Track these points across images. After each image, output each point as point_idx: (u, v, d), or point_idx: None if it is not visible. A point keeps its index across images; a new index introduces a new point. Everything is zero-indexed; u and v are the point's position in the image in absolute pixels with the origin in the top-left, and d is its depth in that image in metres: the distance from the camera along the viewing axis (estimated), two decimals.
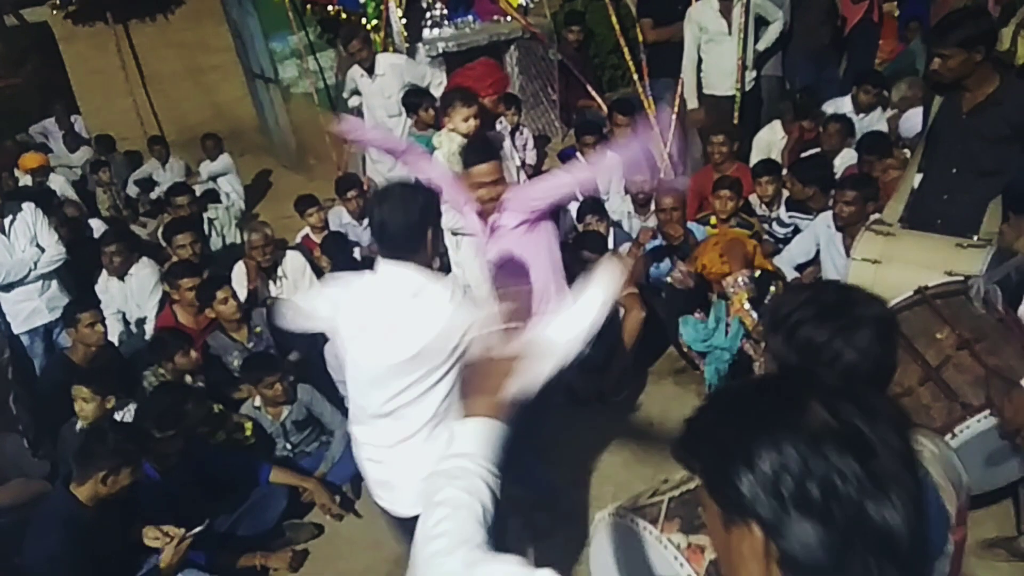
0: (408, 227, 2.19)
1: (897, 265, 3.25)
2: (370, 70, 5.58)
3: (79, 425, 3.55)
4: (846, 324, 1.37)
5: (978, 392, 2.58)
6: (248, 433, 3.78)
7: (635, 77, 6.28)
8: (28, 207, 4.44)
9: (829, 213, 4.24)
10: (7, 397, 3.94)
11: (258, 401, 3.84)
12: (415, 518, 2.12)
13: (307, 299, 2.56)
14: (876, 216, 4.01)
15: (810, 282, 1.37)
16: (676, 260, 4.31)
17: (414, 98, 5.29)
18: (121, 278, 4.81)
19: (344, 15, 6.41)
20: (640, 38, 6.33)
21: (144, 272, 4.74)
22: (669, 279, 4.20)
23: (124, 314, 4.87)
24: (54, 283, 4.48)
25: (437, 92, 5.51)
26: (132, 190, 7.40)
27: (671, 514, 2.17)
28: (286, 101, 7.81)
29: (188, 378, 3.88)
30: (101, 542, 2.76)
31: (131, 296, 4.83)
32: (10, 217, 4.32)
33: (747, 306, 3.76)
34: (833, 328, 1.37)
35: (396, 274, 2.23)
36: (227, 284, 4.22)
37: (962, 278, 2.81)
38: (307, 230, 5.48)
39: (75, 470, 2.81)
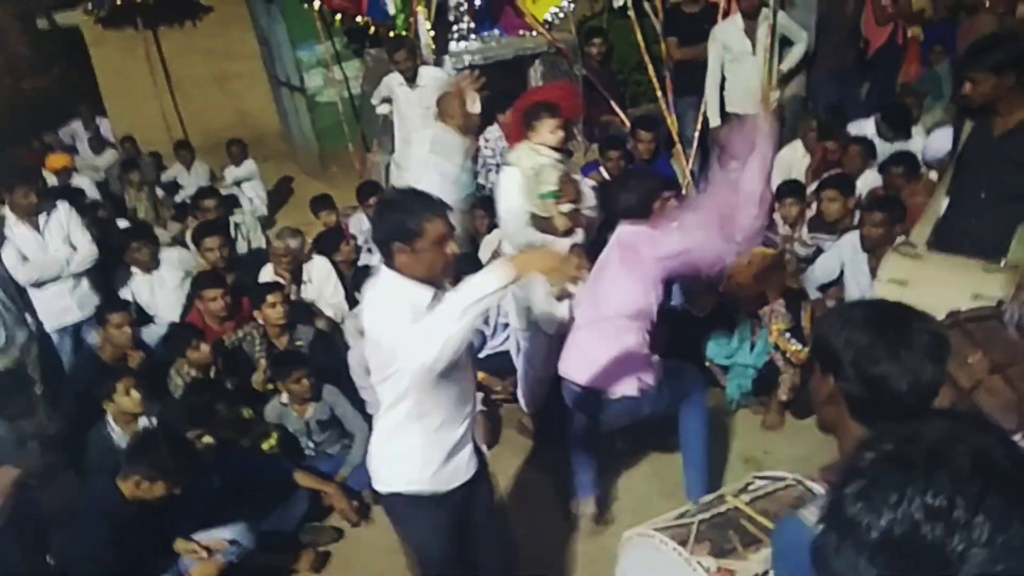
0: (381, 241, 2.26)
1: (924, 287, 3.26)
2: (411, 80, 5.65)
3: (111, 425, 3.59)
4: (891, 329, 1.38)
5: (1009, 416, 2.58)
6: (273, 443, 3.82)
7: (659, 94, 6.35)
8: (63, 206, 4.50)
9: (855, 234, 4.26)
10: (31, 394, 3.99)
11: (285, 398, 3.91)
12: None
13: None
14: (902, 238, 4.04)
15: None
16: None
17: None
18: (150, 271, 4.84)
19: (373, 26, 6.49)
20: (664, 56, 6.40)
21: (173, 256, 4.82)
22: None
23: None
24: (85, 282, 4.53)
25: (473, 110, 5.63)
26: (158, 192, 7.48)
27: (701, 537, 2.20)
28: (311, 109, 7.90)
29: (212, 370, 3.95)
30: (138, 539, 2.80)
31: (159, 287, 4.87)
32: (44, 216, 4.39)
33: (787, 335, 3.79)
34: (876, 332, 1.38)
35: (380, 283, 2.31)
36: (279, 290, 4.25)
37: (996, 303, 2.83)
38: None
39: (122, 465, 2.86)
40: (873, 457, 0.98)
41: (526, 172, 3.44)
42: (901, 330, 1.38)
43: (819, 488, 2.34)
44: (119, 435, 3.55)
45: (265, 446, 3.73)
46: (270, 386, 4.05)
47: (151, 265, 4.81)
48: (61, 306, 4.44)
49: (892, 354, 1.35)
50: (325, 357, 4.23)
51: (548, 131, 3.43)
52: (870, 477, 0.97)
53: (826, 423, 1.52)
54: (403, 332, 2.10)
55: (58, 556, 2.77)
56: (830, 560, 0.97)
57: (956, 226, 3.46)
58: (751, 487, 2.45)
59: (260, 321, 4.24)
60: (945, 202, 3.63)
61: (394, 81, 5.76)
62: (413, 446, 2.37)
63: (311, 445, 3.96)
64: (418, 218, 2.18)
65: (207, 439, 3.50)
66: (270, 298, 4.16)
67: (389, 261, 2.25)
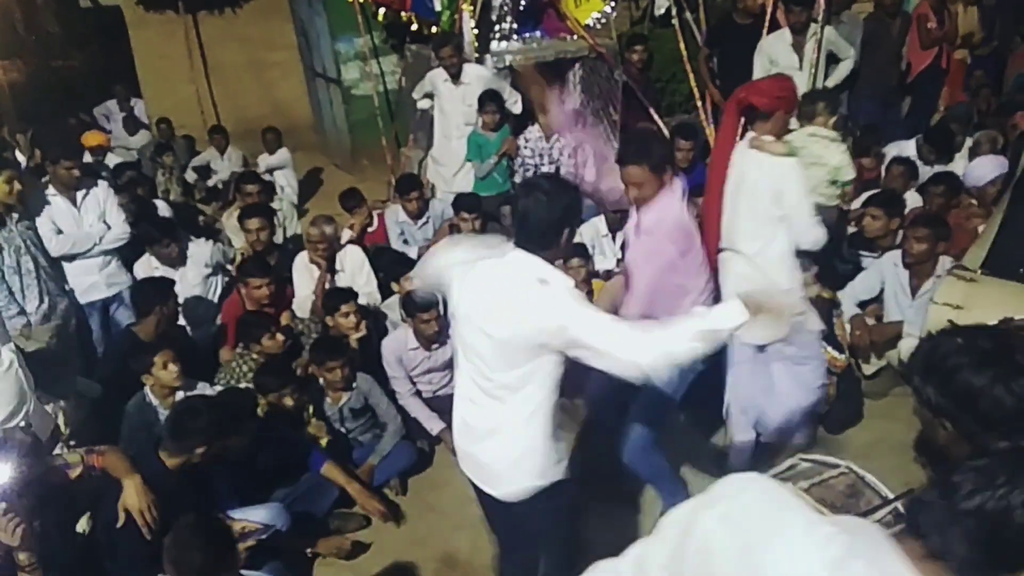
0: (549, 223, 2.25)
1: (979, 311, 3.22)
2: (455, 77, 5.68)
3: (149, 398, 3.61)
4: (1007, 370, 1.35)
5: None
6: (323, 445, 3.80)
7: (698, 103, 6.35)
8: (102, 185, 4.51)
9: (896, 252, 4.24)
10: (71, 362, 4.00)
11: (322, 382, 3.91)
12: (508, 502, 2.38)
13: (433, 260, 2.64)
14: (947, 258, 4.03)
15: (962, 327, 1.34)
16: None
17: (488, 98, 5.54)
18: (175, 267, 4.76)
19: (416, 22, 6.51)
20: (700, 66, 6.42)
21: (203, 252, 4.81)
22: None
23: None
24: (114, 260, 4.52)
25: (514, 110, 5.80)
26: (190, 176, 7.52)
27: None
28: (346, 102, 7.92)
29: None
30: (177, 513, 2.81)
31: (182, 280, 4.81)
32: (83, 191, 4.39)
33: (824, 343, 3.77)
34: (993, 374, 1.35)
35: (521, 261, 2.28)
36: (354, 299, 4.20)
37: None
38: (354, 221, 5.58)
39: (169, 442, 2.90)
40: (1006, 446, 1.11)
41: (814, 160, 3.40)
42: (1010, 364, 1.37)
43: (871, 478, 2.32)
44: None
45: (323, 441, 3.74)
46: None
47: (177, 262, 4.75)
48: (88, 282, 4.42)
49: (1010, 391, 1.35)
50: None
51: (824, 121, 3.45)
52: (993, 459, 1.05)
53: (935, 452, 1.51)
54: (575, 317, 2.15)
55: (98, 527, 2.77)
56: (921, 509, 1.07)
57: (1011, 251, 3.44)
58: (799, 469, 2.44)
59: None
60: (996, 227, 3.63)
61: (438, 77, 5.78)
62: (555, 431, 2.41)
63: (343, 431, 3.96)
64: (580, 204, 2.29)
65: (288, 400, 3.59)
66: (344, 308, 4.12)
67: (550, 244, 2.26)
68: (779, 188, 3.25)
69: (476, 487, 2.58)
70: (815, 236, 3.31)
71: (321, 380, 3.91)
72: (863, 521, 1.18)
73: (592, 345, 2.15)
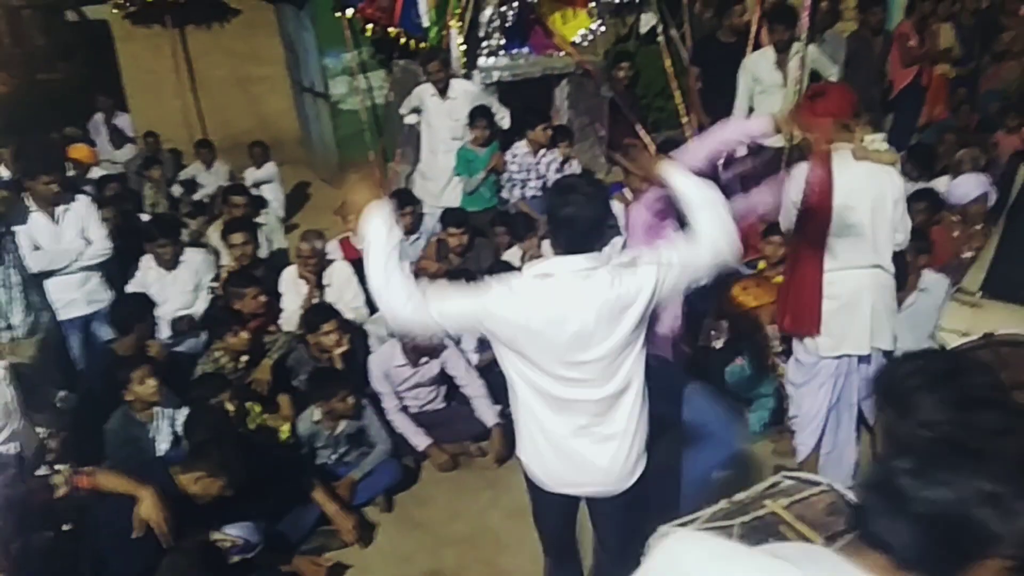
0: (595, 221, 2.29)
1: None
2: (442, 92, 5.70)
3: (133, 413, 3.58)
4: (955, 393, 1.37)
5: None
6: (287, 434, 3.79)
7: (684, 119, 6.40)
8: (83, 199, 4.44)
9: None
10: (52, 377, 3.95)
11: (317, 415, 3.84)
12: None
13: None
14: (929, 272, 4.06)
15: (926, 350, 1.37)
16: (710, 322, 4.40)
17: (479, 114, 5.58)
18: (169, 270, 4.79)
19: (404, 38, 6.54)
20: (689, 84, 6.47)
21: (196, 258, 4.81)
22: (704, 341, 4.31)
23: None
24: (95, 277, 4.43)
25: (502, 125, 5.81)
26: (176, 190, 7.48)
27: (742, 542, 2.18)
28: (333, 116, 7.93)
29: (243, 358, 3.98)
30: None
31: (171, 284, 4.81)
32: (63, 207, 4.30)
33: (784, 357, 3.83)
34: (941, 396, 1.37)
35: (574, 265, 2.29)
36: (335, 317, 4.18)
37: None
38: (347, 233, 5.57)
39: (188, 457, 2.98)
40: (931, 437, 1.08)
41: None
42: (959, 386, 1.40)
43: (852, 496, 2.33)
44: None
45: (284, 433, 3.71)
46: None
47: (171, 264, 4.76)
48: (67, 299, 4.31)
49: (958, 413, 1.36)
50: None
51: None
52: (925, 455, 1.04)
53: None
54: (665, 252, 2.33)
55: (85, 543, 2.76)
56: (870, 520, 1.05)
57: (1009, 272, 3.45)
58: (781, 487, 2.43)
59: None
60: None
61: (425, 92, 5.80)
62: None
63: (334, 457, 3.93)
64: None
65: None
66: (325, 326, 4.09)
67: (595, 244, 2.31)
68: (896, 196, 3.31)
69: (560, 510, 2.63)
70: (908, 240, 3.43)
71: (318, 411, 3.84)
72: (809, 546, 1.19)
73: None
